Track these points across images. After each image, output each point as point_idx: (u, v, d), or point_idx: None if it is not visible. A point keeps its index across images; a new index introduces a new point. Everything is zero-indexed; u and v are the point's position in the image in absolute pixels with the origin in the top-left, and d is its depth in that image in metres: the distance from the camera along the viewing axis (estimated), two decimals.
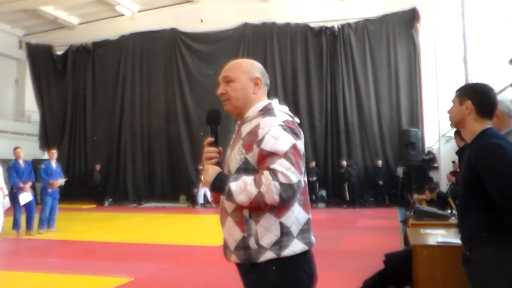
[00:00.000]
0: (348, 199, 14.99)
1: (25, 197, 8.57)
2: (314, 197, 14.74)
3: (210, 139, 1.81)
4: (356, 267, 5.72)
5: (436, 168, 13.33)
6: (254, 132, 1.70)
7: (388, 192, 15.02)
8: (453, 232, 3.78)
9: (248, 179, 1.62)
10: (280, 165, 1.59)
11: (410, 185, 12.60)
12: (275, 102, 1.82)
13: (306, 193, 1.76)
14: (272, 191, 1.56)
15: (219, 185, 1.66)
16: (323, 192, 15.59)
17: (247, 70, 1.84)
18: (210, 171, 1.69)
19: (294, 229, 1.68)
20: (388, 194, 15.02)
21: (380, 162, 15.14)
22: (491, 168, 1.92)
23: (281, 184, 1.56)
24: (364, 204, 14.95)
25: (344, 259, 6.34)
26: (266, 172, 1.60)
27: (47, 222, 8.99)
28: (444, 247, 3.23)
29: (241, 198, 1.61)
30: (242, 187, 1.61)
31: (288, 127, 1.68)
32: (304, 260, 1.71)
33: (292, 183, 1.57)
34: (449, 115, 2.19)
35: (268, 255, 1.66)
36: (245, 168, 1.68)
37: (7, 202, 8.33)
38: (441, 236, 3.59)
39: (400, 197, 14.17)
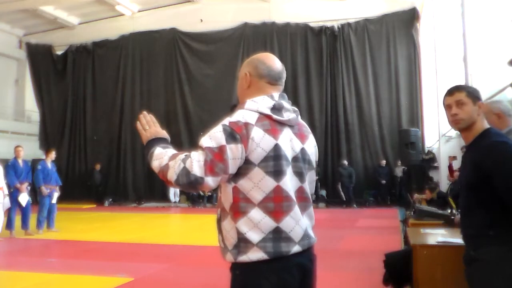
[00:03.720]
0: (344, 199, 14.96)
1: (25, 198, 8.55)
2: (314, 196, 14.66)
3: None
4: (356, 267, 5.73)
5: (436, 167, 13.34)
6: None
7: (389, 192, 15.02)
8: (453, 232, 3.78)
9: (172, 152, 1.69)
10: (195, 154, 1.62)
11: (410, 185, 12.61)
12: (254, 100, 1.72)
13: (279, 200, 1.65)
14: (174, 169, 1.60)
15: (149, 146, 1.76)
16: (323, 192, 15.58)
17: (242, 68, 1.85)
18: (152, 130, 1.82)
19: (253, 237, 1.62)
20: (389, 194, 15.02)
21: (384, 162, 15.13)
22: (501, 165, 1.91)
23: (183, 167, 1.59)
24: (364, 204, 14.94)
25: (344, 259, 6.34)
26: (183, 154, 1.65)
27: (45, 222, 8.98)
28: (444, 247, 3.23)
29: (155, 164, 1.67)
30: (160, 155, 1.68)
31: (229, 128, 1.62)
32: (269, 268, 1.63)
33: (191, 173, 1.57)
34: (458, 116, 2.07)
35: (229, 256, 1.68)
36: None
37: (7, 202, 8.30)
38: (441, 235, 3.59)
39: (399, 196, 14.19)
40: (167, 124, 17.49)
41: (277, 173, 1.65)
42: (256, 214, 1.63)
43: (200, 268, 5.78)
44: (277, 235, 1.64)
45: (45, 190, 8.91)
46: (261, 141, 1.63)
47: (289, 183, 1.68)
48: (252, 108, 1.70)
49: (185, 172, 1.58)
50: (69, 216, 11.72)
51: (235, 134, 1.61)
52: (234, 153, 1.61)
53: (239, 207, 1.65)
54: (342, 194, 15.01)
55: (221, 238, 1.72)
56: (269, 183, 1.64)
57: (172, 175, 1.60)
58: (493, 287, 1.91)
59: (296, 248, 1.67)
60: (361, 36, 16.27)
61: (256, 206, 1.63)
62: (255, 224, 1.63)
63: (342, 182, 14.96)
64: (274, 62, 1.82)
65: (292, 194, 1.68)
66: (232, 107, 1.88)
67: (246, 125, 1.63)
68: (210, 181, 1.59)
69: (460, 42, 9.95)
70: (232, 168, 1.62)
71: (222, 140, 1.61)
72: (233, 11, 17.02)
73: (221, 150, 1.59)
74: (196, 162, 1.58)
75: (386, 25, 16.10)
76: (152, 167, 1.69)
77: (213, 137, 1.63)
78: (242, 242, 1.64)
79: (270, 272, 1.63)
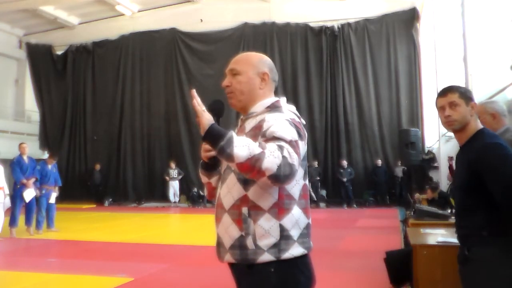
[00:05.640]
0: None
1: (29, 194, 8.55)
2: (315, 196, 14.75)
3: None
4: (356, 267, 5.73)
5: (436, 168, 13.33)
6: (259, 127, 1.64)
7: (388, 192, 15.02)
8: (453, 232, 3.78)
9: (249, 140, 1.52)
10: (286, 145, 1.52)
11: (410, 185, 12.61)
12: (283, 100, 1.78)
13: (307, 197, 1.72)
14: (274, 157, 1.45)
15: (219, 131, 1.49)
16: (323, 192, 15.59)
17: (255, 64, 1.78)
18: (206, 115, 1.53)
19: (294, 233, 1.64)
20: (388, 194, 15.02)
21: (380, 162, 15.15)
22: (494, 167, 1.91)
23: (284, 157, 1.47)
24: (364, 204, 14.95)
25: (344, 259, 6.34)
26: (271, 142, 1.51)
27: (44, 222, 8.98)
28: (444, 247, 3.23)
29: (240, 150, 1.45)
30: (246, 142, 1.48)
31: (294, 125, 1.63)
32: (302, 262, 1.67)
33: (293, 163, 1.48)
34: (451, 117, 2.07)
35: (266, 257, 1.60)
36: None
37: (7, 201, 8.30)
38: (441, 235, 3.60)
39: (399, 196, 14.19)
40: (167, 124, 17.57)
41: (305, 172, 1.73)
42: (296, 210, 1.66)
43: (200, 268, 5.78)
44: (308, 230, 1.71)
45: (38, 191, 8.89)
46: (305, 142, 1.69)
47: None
48: (291, 109, 1.75)
49: (287, 162, 1.47)
50: (69, 216, 11.71)
51: (300, 131, 1.64)
52: (301, 150, 1.62)
53: (284, 204, 1.63)
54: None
55: (251, 239, 1.60)
56: (301, 182, 1.70)
57: (271, 165, 1.44)
58: (486, 287, 1.92)
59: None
60: (361, 36, 16.27)
61: (296, 203, 1.67)
62: (296, 221, 1.65)
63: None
64: None
65: None
66: (217, 103, 1.73)
67: (300, 123, 1.68)
68: (297, 175, 1.58)
69: (460, 42, 9.95)
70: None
71: (295, 135, 1.59)
72: (233, 11, 17.02)
73: (297, 145, 1.57)
74: (293, 153, 1.50)
75: (386, 25, 16.09)
76: (231, 154, 1.45)
77: (288, 130, 1.57)
78: (284, 239, 1.62)
79: (304, 266, 1.68)
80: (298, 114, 1.75)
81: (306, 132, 1.71)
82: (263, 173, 1.45)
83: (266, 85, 1.78)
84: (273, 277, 1.61)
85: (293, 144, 1.54)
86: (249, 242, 1.61)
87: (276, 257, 1.60)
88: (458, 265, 2.08)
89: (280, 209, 1.62)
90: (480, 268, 1.94)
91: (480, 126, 2.10)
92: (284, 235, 1.62)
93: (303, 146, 1.64)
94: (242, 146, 1.46)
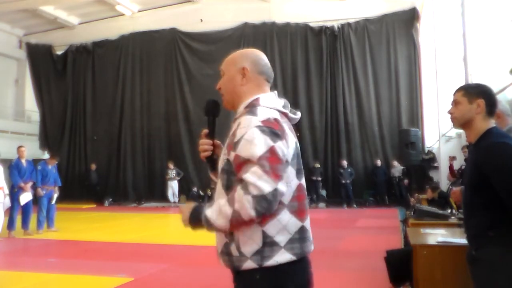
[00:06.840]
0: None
1: (26, 197, 8.56)
2: (315, 196, 14.75)
3: (205, 130, 1.77)
4: (356, 267, 5.73)
5: (436, 167, 13.33)
6: (234, 133, 1.59)
7: (388, 192, 15.02)
8: (453, 232, 3.78)
9: (222, 201, 1.53)
10: (252, 174, 1.47)
11: (410, 185, 12.61)
12: (265, 96, 1.67)
13: (302, 198, 1.63)
14: (246, 207, 1.46)
15: (196, 219, 1.57)
16: (323, 192, 15.59)
17: (236, 61, 1.73)
18: (184, 209, 1.61)
19: (281, 239, 1.56)
20: (387, 194, 15.02)
21: (379, 162, 15.14)
22: (499, 167, 1.91)
23: (253, 197, 1.45)
24: (364, 204, 14.95)
25: (344, 259, 6.34)
26: (238, 187, 1.50)
27: (45, 222, 8.99)
28: (444, 247, 3.23)
29: (220, 222, 1.51)
30: (217, 211, 1.52)
31: (266, 128, 1.53)
32: (293, 269, 1.58)
33: (264, 194, 1.45)
34: (452, 114, 2.14)
35: (249, 264, 1.55)
36: (228, 170, 1.59)
37: (7, 201, 8.31)
38: (441, 235, 3.59)
39: (400, 196, 14.19)
40: (167, 124, 17.57)
41: (299, 171, 1.64)
42: (284, 215, 1.58)
43: (200, 268, 5.78)
44: (302, 234, 1.62)
45: (40, 191, 8.92)
46: (289, 138, 1.60)
47: (304, 181, 1.67)
48: (270, 105, 1.63)
49: (259, 199, 1.45)
50: (69, 216, 11.71)
51: (275, 131, 1.54)
52: (283, 150, 1.54)
53: None
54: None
55: (235, 246, 1.58)
56: (294, 182, 1.61)
57: (249, 214, 1.46)
58: (493, 287, 1.92)
59: (312, 247, 1.67)
60: (361, 36, 16.27)
61: (285, 207, 1.58)
62: (284, 226, 1.57)
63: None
64: (267, 60, 1.76)
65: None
66: (213, 103, 1.76)
67: (277, 121, 1.58)
68: (283, 187, 1.51)
69: (460, 42, 9.96)
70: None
71: (268, 141, 1.51)
72: (233, 11, 17.02)
73: (272, 151, 1.50)
74: (259, 181, 1.46)
75: (386, 25, 16.10)
76: (217, 228, 1.54)
77: (256, 142, 1.50)
78: (268, 246, 1.55)
79: (293, 274, 1.59)
80: (280, 108, 1.65)
81: (287, 127, 1.62)
82: (251, 221, 1.49)
83: (248, 81, 1.70)
84: (258, 284, 1.56)
85: (261, 162, 1.48)
86: (233, 249, 1.58)
87: (258, 264, 1.54)
88: (467, 265, 2.09)
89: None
90: (487, 268, 1.95)
91: (491, 124, 2.08)
92: (268, 242, 1.55)
93: (283, 146, 1.55)
94: (217, 218, 1.51)
